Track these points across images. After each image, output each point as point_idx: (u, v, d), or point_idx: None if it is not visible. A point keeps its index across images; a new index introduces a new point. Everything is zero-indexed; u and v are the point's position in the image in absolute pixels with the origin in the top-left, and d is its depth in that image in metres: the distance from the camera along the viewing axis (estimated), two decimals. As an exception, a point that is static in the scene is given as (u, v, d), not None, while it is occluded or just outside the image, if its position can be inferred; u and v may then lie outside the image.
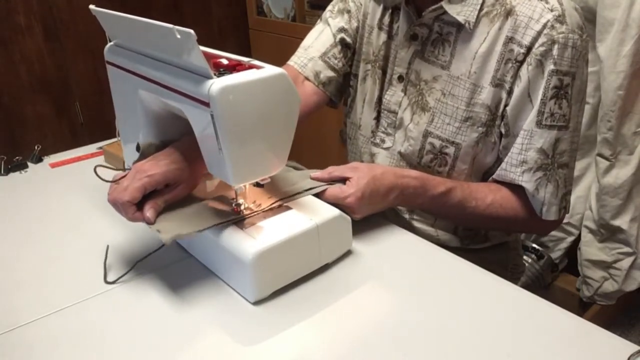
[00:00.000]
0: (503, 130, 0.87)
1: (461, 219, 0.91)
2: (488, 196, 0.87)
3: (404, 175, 0.84)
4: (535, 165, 0.84)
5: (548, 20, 0.80)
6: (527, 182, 0.85)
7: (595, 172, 1.58)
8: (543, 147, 0.83)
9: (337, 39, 1.02)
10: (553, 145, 0.83)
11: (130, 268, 0.76)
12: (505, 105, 0.85)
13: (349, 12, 1.02)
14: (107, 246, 0.81)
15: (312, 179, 0.82)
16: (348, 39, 1.02)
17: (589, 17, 1.47)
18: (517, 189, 0.88)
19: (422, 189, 0.84)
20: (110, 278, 0.75)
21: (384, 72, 0.98)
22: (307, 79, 1.02)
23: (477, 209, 0.86)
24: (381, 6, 0.98)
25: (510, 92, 0.84)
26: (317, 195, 0.80)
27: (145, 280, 0.75)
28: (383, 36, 0.98)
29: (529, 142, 0.83)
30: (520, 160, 0.84)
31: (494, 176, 0.89)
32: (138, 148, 0.81)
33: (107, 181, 0.77)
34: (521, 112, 0.84)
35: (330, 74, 1.02)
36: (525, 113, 0.84)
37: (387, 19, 0.97)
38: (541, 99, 0.82)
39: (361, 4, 1.02)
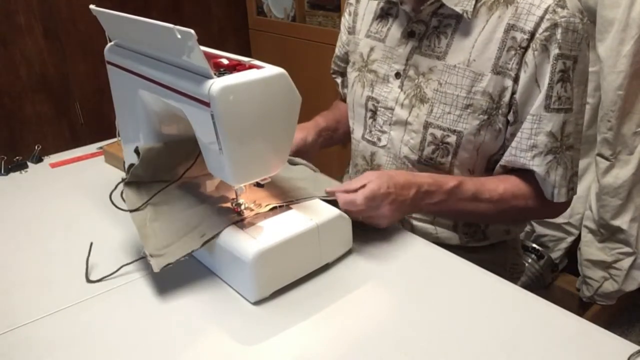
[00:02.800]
0: (512, 118, 0.87)
1: (476, 213, 0.90)
2: (499, 186, 0.88)
3: (415, 175, 0.85)
4: (546, 149, 0.85)
5: (549, 5, 0.82)
6: (538, 166, 0.86)
7: (595, 172, 1.58)
8: (552, 131, 0.84)
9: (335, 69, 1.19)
10: (561, 128, 0.85)
11: (115, 271, 0.75)
12: (513, 93, 0.86)
13: (340, 35, 1.13)
14: (91, 243, 0.80)
15: (328, 192, 0.81)
16: (339, 65, 1.17)
17: (589, 17, 1.47)
18: (525, 175, 0.89)
19: (436, 185, 0.84)
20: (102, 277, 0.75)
21: (373, 72, 1.00)
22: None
23: (491, 199, 0.87)
24: (371, 17, 1.02)
25: (516, 79, 0.85)
26: (332, 202, 0.79)
27: (145, 280, 0.75)
28: (372, 42, 1.01)
29: (538, 127, 0.85)
30: (530, 144, 0.86)
31: (501, 162, 0.90)
32: (137, 152, 0.81)
33: (124, 210, 0.78)
34: (529, 98, 0.85)
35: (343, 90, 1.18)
36: (533, 98, 0.85)
37: (374, 27, 1.01)
38: (548, 83, 0.83)
39: (352, 23, 1.07)
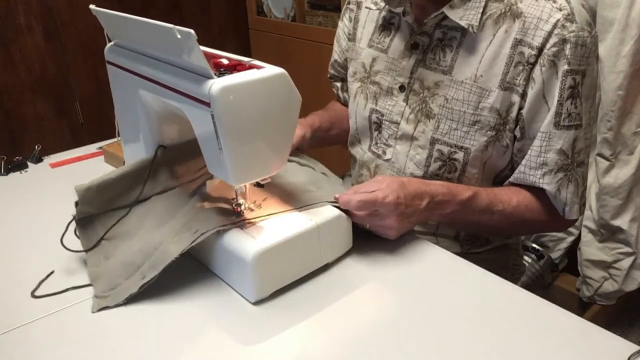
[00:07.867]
0: (518, 134, 0.86)
1: (489, 225, 0.87)
2: (512, 198, 0.85)
3: (429, 183, 0.81)
4: (556, 166, 0.83)
5: (558, 20, 0.79)
6: (548, 184, 0.84)
7: (595, 172, 1.58)
8: (562, 148, 0.82)
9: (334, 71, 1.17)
10: (572, 145, 0.83)
11: (62, 291, 0.73)
12: (520, 109, 0.84)
13: (338, 40, 1.12)
14: (52, 271, 0.78)
15: (337, 198, 0.78)
16: (339, 70, 1.15)
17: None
18: (536, 191, 0.86)
19: (450, 195, 0.81)
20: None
21: (376, 84, 0.98)
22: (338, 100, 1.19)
23: (504, 212, 0.84)
24: (373, 26, 1.00)
25: (524, 95, 0.83)
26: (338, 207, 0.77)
27: (145, 280, 0.75)
28: (374, 53, 0.99)
29: (547, 144, 0.83)
30: (540, 162, 0.83)
31: (511, 179, 0.88)
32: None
33: (78, 251, 0.77)
34: (537, 115, 0.83)
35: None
36: (541, 115, 0.83)
37: (377, 38, 0.99)
38: (558, 100, 0.81)
39: (352, 29, 1.06)
